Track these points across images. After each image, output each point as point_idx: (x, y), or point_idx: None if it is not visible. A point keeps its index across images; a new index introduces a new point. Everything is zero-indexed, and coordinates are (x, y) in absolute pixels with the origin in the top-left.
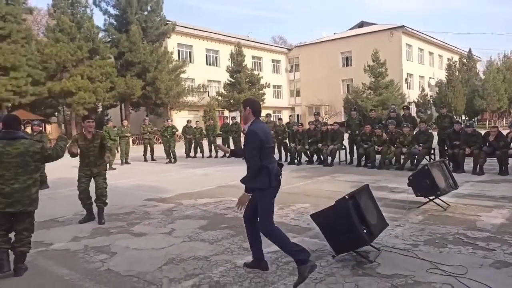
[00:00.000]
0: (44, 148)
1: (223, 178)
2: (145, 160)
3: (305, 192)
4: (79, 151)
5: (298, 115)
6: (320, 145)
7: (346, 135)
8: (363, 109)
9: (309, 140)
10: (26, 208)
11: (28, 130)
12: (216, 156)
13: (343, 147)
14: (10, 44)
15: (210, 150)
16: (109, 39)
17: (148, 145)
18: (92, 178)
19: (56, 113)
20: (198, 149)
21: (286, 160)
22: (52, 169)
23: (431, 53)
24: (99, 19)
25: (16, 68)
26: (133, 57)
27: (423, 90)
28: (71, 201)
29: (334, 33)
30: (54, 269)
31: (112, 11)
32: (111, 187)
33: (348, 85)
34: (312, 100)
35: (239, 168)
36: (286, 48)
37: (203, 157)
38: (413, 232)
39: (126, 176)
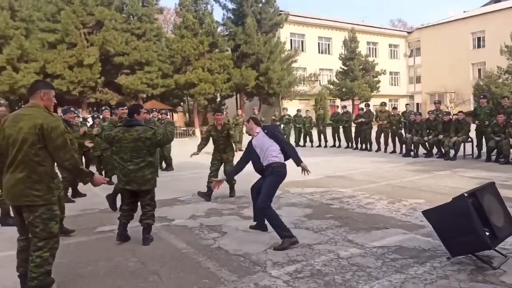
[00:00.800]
0: (155, 135)
1: (331, 168)
2: None
3: (420, 187)
4: None
5: (417, 104)
6: (441, 136)
7: (473, 126)
8: (498, 96)
9: (428, 131)
10: (140, 187)
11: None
12: (325, 146)
13: (469, 139)
14: (145, 42)
15: (320, 140)
16: (226, 33)
17: None
18: (222, 163)
19: (182, 103)
20: (308, 138)
21: (400, 152)
22: (176, 154)
23: None
24: (218, 14)
25: (149, 63)
26: (248, 48)
27: None
28: (192, 183)
29: (464, 11)
30: (174, 242)
31: (230, 5)
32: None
33: (479, 70)
34: (434, 87)
35: (348, 159)
36: (406, 31)
37: (312, 146)
38: None
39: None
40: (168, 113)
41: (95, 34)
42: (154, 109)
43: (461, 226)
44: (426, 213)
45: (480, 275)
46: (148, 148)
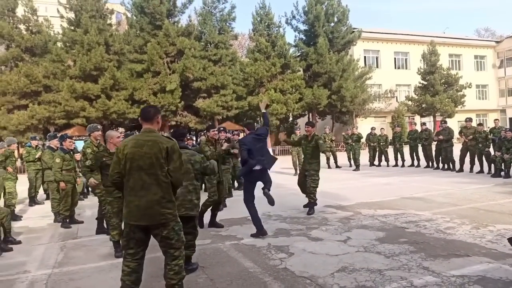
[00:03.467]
0: (203, 160)
1: (407, 189)
2: (329, 167)
3: (510, 211)
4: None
5: (510, 119)
6: None
7: None
8: None
9: None
10: (188, 212)
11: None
12: (403, 165)
13: None
14: (221, 67)
15: (396, 159)
16: (298, 54)
17: (331, 153)
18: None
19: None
20: (383, 157)
21: (489, 173)
22: None
23: None
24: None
25: (224, 87)
26: (320, 68)
27: None
28: (263, 201)
29: None
30: (241, 260)
31: (302, 27)
32: (294, 192)
33: None
34: None
35: (428, 179)
36: (494, 41)
37: (388, 165)
38: None
39: None
40: (241, 134)
41: (176, 62)
42: (221, 128)
43: None
44: None
45: None
46: (196, 171)
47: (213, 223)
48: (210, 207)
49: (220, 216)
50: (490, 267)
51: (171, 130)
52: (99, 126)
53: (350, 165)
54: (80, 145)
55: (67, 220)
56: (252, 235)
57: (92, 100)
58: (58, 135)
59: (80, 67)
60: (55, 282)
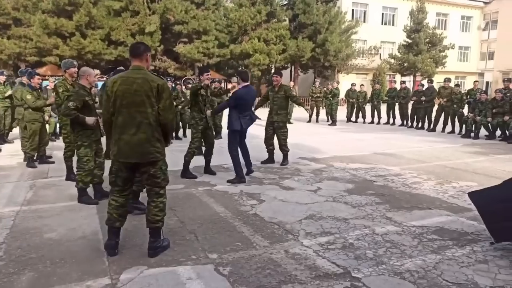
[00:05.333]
0: None
1: (380, 145)
2: (309, 121)
3: (474, 169)
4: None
5: (487, 82)
6: (507, 118)
7: None
8: None
9: (493, 111)
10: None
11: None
12: (378, 123)
13: None
14: (204, 11)
15: (373, 116)
16: (285, 2)
17: (315, 107)
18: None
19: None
20: (360, 114)
21: (459, 133)
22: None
23: None
24: None
25: (206, 32)
26: (306, 18)
27: None
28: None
29: None
30: (213, 205)
31: None
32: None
33: None
34: (509, 65)
35: (401, 137)
36: (483, 2)
37: (364, 122)
38: None
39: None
40: (222, 82)
41: (157, 2)
42: (216, 80)
43: (509, 211)
44: (472, 194)
45: None
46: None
47: (206, 170)
48: (203, 155)
49: (196, 162)
50: (448, 219)
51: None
52: (75, 62)
53: (328, 120)
54: (44, 84)
55: (34, 159)
56: (229, 181)
57: (66, 38)
58: (31, 71)
59: (54, 1)
60: (23, 219)
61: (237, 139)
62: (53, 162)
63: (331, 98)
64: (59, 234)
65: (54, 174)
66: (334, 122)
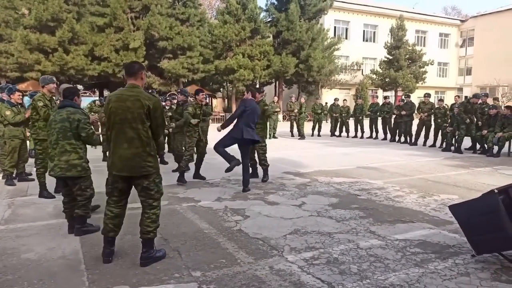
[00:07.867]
0: (84, 121)
1: (364, 159)
2: (292, 135)
3: (455, 182)
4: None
5: (466, 97)
6: (485, 131)
7: None
8: None
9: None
10: (64, 173)
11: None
12: (362, 137)
13: None
14: (188, 27)
15: (356, 130)
16: (269, 19)
17: (295, 122)
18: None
19: (221, 89)
20: (344, 128)
21: (440, 147)
22: (212, 138)
23: None
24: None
25: (191, 48)
26: (290, 35)
27: None
28: (223, 167)
29: None
30: (197, 222)
31: None
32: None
33: None
34: (486, 80)
35: (384, 151)
36: (459, 20)
37: (347, 136)
38: None
39: (271, 149)
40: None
41: (141, 18)
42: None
43: (489, 223)
44: (453, 207)
45: (504, 275)
46: (74, 132)
47: (196, 176)
48: (194, 162)
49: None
50: (431, 232)
51: (62, 86)
52: (54, 79)
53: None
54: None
55: (13, 177)
56: (228, 169)
57: (49, 54)
58: (11, 87)
59: (36, 17)
60: (0, 238)
61: (228, 144)
62: (32, 180)
63: (297, 114)
64: (37, 254)
65: (34, 192)
66: (302, 136)
